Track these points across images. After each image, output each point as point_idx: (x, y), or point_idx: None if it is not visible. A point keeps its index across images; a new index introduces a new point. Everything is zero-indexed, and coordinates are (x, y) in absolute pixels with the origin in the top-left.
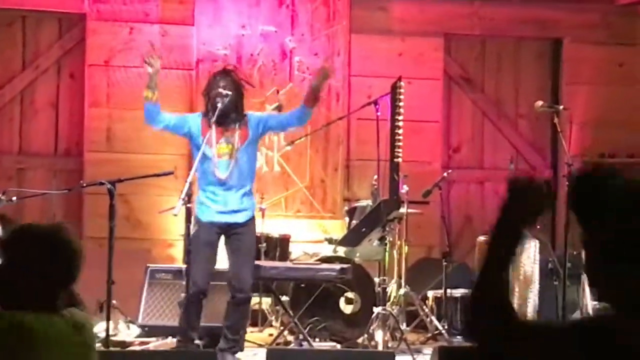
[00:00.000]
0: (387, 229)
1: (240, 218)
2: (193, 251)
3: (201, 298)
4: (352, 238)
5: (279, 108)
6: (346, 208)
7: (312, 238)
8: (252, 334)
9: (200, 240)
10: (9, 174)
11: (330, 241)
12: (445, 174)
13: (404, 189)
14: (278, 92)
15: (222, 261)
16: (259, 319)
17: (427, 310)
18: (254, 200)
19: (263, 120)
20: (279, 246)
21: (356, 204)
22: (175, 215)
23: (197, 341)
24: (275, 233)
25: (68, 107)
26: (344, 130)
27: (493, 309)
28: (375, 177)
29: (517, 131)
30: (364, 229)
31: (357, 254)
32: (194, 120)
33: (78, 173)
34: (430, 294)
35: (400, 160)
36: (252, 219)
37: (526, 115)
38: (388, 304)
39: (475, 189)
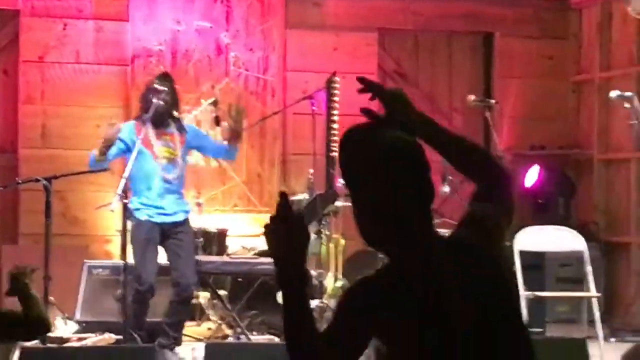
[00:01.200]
0: (323, 222)
1: (179, 217)
2: (139, 251)
3: (150, 296)
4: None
5: (214, 103)
6: None
7: (249, 232)
8: (189, 328)
9: (144, 239)
10: None
11: None
12: None
13: (339, 182)
14: (214, 87)
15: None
16: (197, 313)
17: None
18: (186, 200)
19: (201, 136)
20: (217, 240)
21: (292, 198)
22: (112, 211)
23: (137, 337)
24: (212, 227)
25: (2, 104)
26: (280, 125)
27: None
28: (311, 171)
29: (451, 125)
30: None
31: None
32: (127, 128)
33: (13, 170)
34: None
35: (335, 154)
36: (187, 220)
37: (460, 109)
38: (325, 296)
39: None
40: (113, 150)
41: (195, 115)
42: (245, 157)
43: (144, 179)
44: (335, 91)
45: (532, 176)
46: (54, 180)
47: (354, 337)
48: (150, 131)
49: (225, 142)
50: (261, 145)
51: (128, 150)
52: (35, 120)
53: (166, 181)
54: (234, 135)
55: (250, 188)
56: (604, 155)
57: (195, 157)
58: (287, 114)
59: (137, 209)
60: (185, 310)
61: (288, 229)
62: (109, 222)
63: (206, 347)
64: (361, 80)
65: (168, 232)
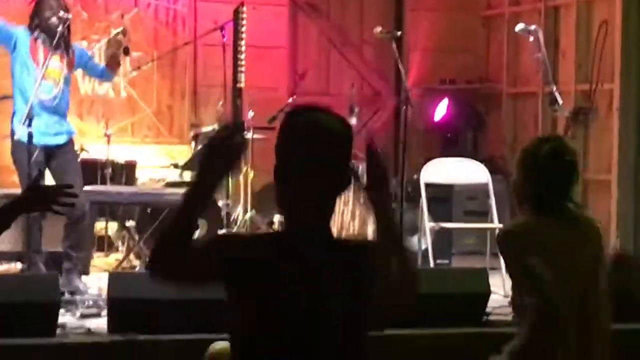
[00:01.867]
0: None
1: (61, 140)
2: (23, 172)
3: (40, 220)
4: (195, 163)
5: (123, 32)
6: (192, 134)
7: (159, 164)
8: (98, 259)
9: (26, 161)
10: None
11: (176, 166)
12: (290, 100)
13: (249, 114)
14: (123, 16)
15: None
16: (105, 245)
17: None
18: (70, 124)
19: (86, 56)
20: (125, 172)
21: (202, 130)
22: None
23: (41, 266)
24: (121, 159)
25: None
26: (190, 56)
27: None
28: (221, 102)
29: (362, 58)
30: None
31: None
32: (23, 36)
33: None
34: (277, 218)
35: (242, 85)
36: (71, 140)
37: (371, 41)
38: (235, 227)
39: None
40: None
41: (103, 44)
42: (156, 88)
43: (25, 97)
44: (243, 22)
45: (441, 110)
46: None
47: (208, 268)
48: (41, 48)
49: (103, 66)
50: (172, 76)
51: (6, 45)
52: None
53: (46, 101)
54: (112, 64)
55: (161, 119)
56: (513, 89)
57: (104, 87)
58: (197, 44)
59: (18, 129)
60: (79, 230)
61: (227, 149)
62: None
63: (109, 276)
64: (370, 149)
65: (51, 155)
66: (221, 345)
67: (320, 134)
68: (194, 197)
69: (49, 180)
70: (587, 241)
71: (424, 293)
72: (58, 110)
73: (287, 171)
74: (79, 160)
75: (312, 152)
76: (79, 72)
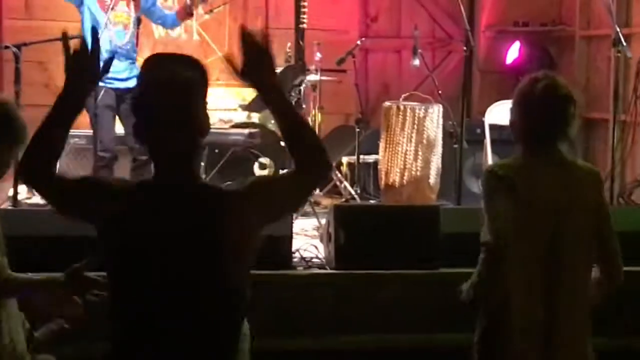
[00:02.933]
0: (293, 94)
1: (131, 84)
2: (94, 116)
3: (112, 163)
4: (258, 103)
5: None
6: None
7: (229, 106)
8: None
9: (100, 107)
10: None
11: (243, 108)
12: (358, 42)
13: (317, 56)
14: None
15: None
16: None
17: (340, 176)
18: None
19: (150, 1)
20: None
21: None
22: None
23: None
24: None
25: None
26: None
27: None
28: (289, 44)
29: (434, 0)
30: None
31: (272, 121)
32: None
33: None
34: (345, 159)
35: (304, 26)
36: None
37: None
38: None
39: (392, 58)
40: None
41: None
42: (228, 31)
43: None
44: None
45: (513, 53)
46: (32, 49)
47: (73, 199)
48: None
49: (173, 13)
50: (244, 19)
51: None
52: None
53: (117, 46)
54: (185, 13)
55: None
56: (585, 31)
57: (177, 31)
58: None
59: None
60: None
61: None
62: None
63: None
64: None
65: (122, 99)
66: None
67: (165, 88)
68: (59, 106)
69: (119, 124)
70: (574, 185)
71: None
72: (129, 54)
73: (144, 126)
74: None
75: (160, 107)
76: None
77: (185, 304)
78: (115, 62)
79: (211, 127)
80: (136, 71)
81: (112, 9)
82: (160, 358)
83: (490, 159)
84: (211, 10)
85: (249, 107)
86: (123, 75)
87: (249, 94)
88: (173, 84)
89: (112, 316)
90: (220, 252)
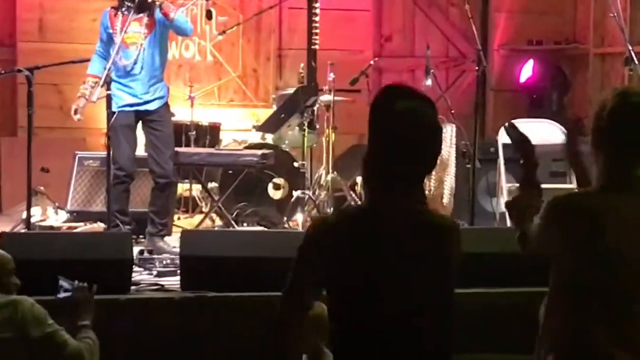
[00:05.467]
0: (305, 115)
1: (151, 106)
2: (114, 138)
3: (128, 181)
4: (271, 124)
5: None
6: (273, 96)
7: (243, 126)
8: (184, 220)
9: (118, 127)
10: None
11: (257, 129)
12: (371, 62)
13: (330, 76)
14: None
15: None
16: (190, 205)
17: (354, 195)
18: (165, 88)
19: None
20: (209, 134)
21: (283, 92)
22: (94, 102)
23: (126, 227)
24: (205, 121)
25: None
26: (275, 20)
27: None
28: (302, 65)
29: (448, 20)
30: (282, 115)
31: (286, 141)
32: (103, 19)
33: (12, 63)
34: (359, 179)
35: (317, 47)
36: (164, 106)
37: (457, 3)
38: (317, 189)
39: (407, 77)
40: (100, 48)
41: (188, 7)
42: (241, 52)
43: (115, 66)
44: None
45: (527, 71)
46: (40, 71)
47: (311, 274)
48: (120, 17)
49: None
50: (257, 39)
51: (109, 40)
52: (32, 14)
53: (127, 66)
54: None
55: (246, 82)
56: (599, 49)
57: (191, 52)
58: (282, 8)
59: (114, 93)
60: (165, 197)
61: None
62: (105, 114)
63: (181, 234)
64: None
65: (143, 119)
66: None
67: (418, 123)
68: None
69: (140, 145)
70: None
71: (503, 252)
72: (144, 75)
73: (382, 151)
74: (170, 125)
75: (410, 139)
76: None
77: (413, 328)
78: (129, 82)
79: (222, 148)
80: (160, 92)
81: (125, 31)
82: None
83: (504, 178)
84: (224, 31)
85: (263, 128)
86: (143, 97)
87: (263, 114)
88: (430, 123)
89: (337, 342)
90: (445, 277)
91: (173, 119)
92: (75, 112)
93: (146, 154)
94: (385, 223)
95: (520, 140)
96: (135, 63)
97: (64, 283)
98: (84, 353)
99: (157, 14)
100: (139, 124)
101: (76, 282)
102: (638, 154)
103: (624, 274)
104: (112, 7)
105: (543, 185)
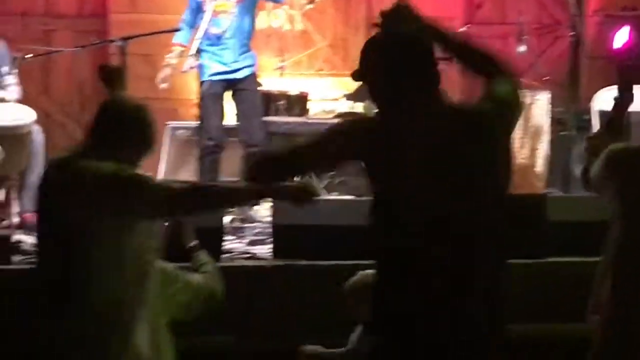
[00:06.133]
0: None
1: (240, 74)
2: (203, 106)
3: (218, 151)
4: (362, 93)
5: None
6: None
7: (332, 96)
8: None
9: (207, 96)
10: (36, 35)
11: (348, 97)
12: (463, 29)
13: None
14: None
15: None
16: None
17: None
18: (254, 57)
19: None
20: (298, 103)
21: None
22: (184, 71)
23: None
24: (293, 90)
25: None
26: None
27: None
28: None
29: None
30: None
31: (375, 110)
32: None
33: (104, 34)
34: None
35: None
36: (252, 75)
37: None
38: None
39: (499, 44)
40: (187, 17)
41: None
42: (331, 21)
43: (204, 35)
44: None
45: (621, 37)
46: (137, 43)
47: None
48: None
49: None
50: (347, 8)
51: (198, 9)
52: None
53: (217, 35)
54: None
55: (335, 51)
56: None
57: (280, 21)
58: None
59: (203, 61)
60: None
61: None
62: (196, 84)
63: (273, 203)
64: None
65: (231, 88)
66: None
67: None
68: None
69: (230, 113)
70: None
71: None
72: (234, 43)
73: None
74: (258, 94)
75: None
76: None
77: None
78: (216, 50)
79: (311, 117)
80: (250, 60)
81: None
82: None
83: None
84: (314, 0)
85: (353, 97)
86: (232, 66)
87: (353, 83)
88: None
89: (380, 239)
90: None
91: (261, 88)
92: (163, 80)
93: (236, 123)
94: (417, 127)
95: (625, 89)
96: (225, 31)
97: None
98: (214, 286)
99: None
100: (228, 94)
101: None
102: None
103: None
104: None
105: None
